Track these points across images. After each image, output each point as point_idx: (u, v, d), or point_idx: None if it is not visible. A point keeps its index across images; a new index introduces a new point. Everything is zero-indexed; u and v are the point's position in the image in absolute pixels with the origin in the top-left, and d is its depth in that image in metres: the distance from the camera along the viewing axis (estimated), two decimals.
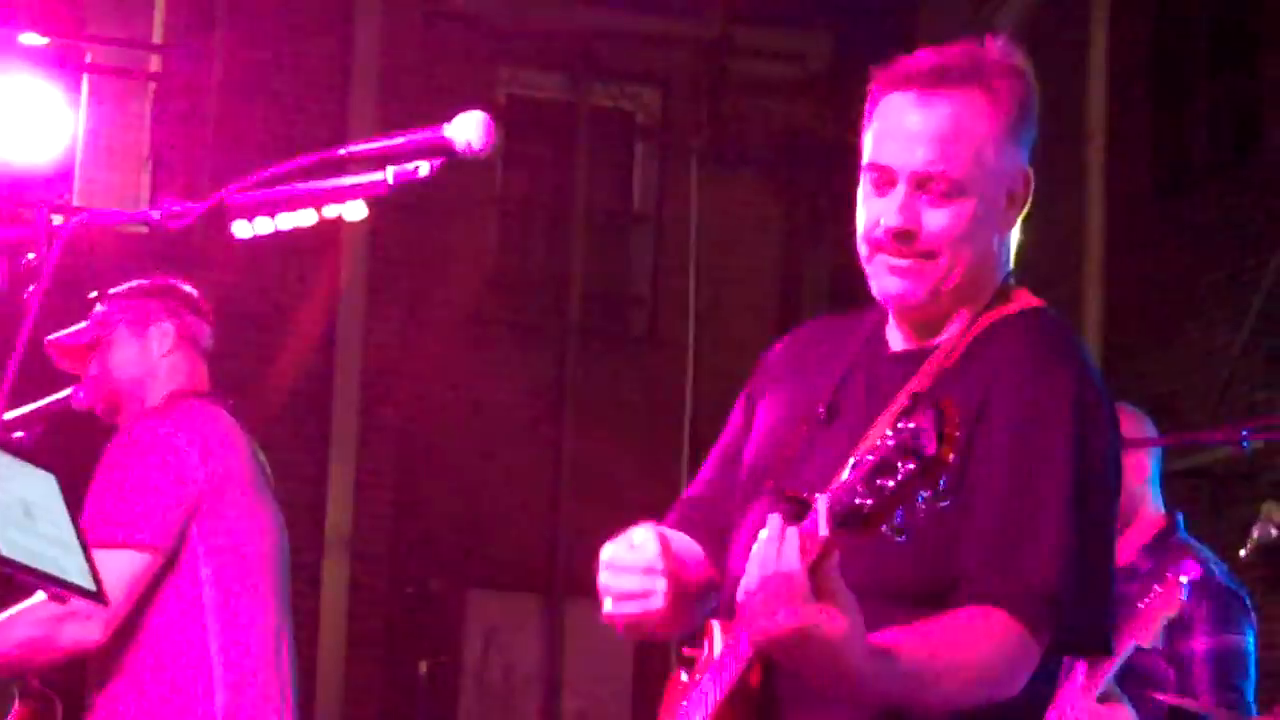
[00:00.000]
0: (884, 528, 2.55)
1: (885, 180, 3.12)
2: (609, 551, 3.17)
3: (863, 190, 3.17)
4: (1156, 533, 5.70)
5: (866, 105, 3.20)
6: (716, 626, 3.08)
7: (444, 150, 2.89)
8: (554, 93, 13.82)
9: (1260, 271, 11.06)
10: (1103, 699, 5.33)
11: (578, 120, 13.60)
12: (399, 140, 2.92)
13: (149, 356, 5.05)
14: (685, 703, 3.11)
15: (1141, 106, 12.46)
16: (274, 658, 4.92)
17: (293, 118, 11.72)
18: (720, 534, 3.31)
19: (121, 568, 4.71)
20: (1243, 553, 8.92)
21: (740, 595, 2.75)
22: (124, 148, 11.00)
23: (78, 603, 4.52)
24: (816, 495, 2.70)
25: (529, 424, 12.88)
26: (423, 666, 10.72)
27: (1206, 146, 12.13)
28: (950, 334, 3.16)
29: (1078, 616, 2.98)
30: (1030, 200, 3.28)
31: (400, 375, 12.48)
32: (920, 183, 3.09)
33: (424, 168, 2.92)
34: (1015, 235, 3.31)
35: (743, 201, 13.46)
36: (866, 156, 3.17)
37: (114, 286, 5.15)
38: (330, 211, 2.98)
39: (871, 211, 3.14)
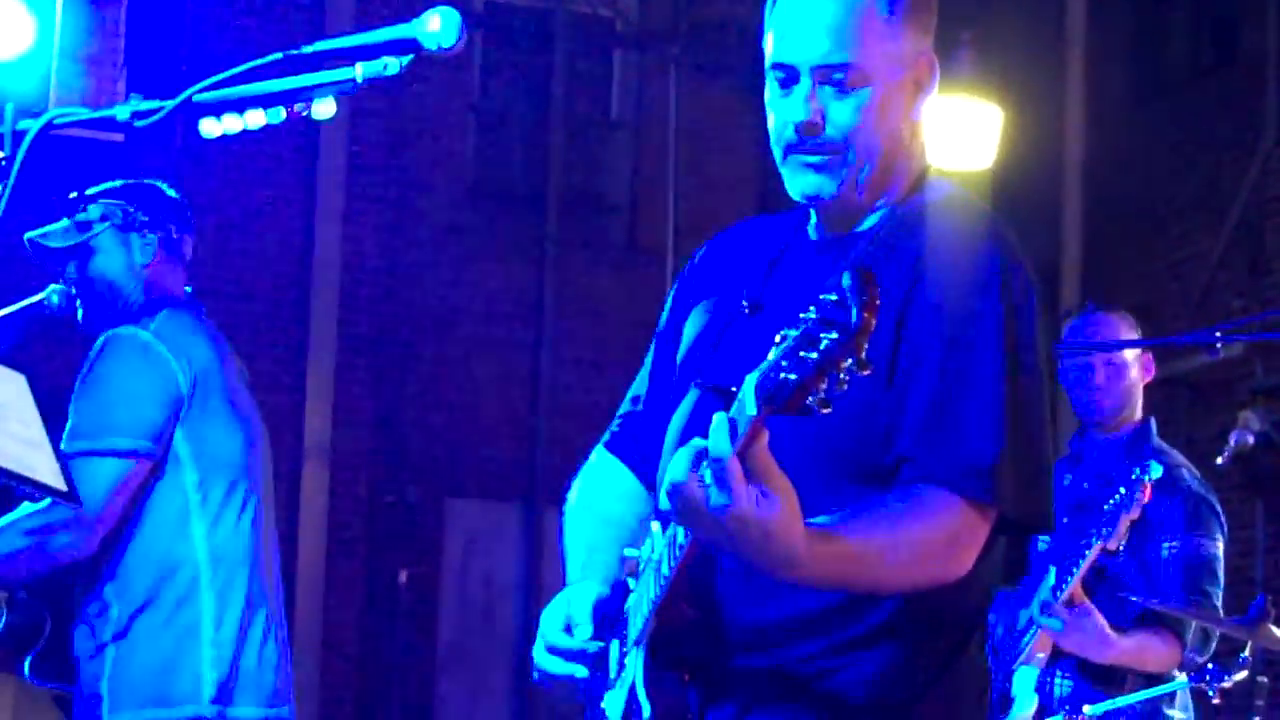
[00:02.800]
0: (809, 400, 2.52)
1: (789, 78, 3.12)
2: (547, 626, 3.16)
3: (769, 93, 3.17)
4: (1130, 437, 5.71)
5: (765, 8, 3.19)
6: (655, 526, 3.06)
7: (413, 47, 2.87)
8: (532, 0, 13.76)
9: (1239, 179, 11.07)
10: (1069, 603, 5.35)
11: (556, 27, 13.54)
12: (367, 38, 2.90)
13: (131, 264, 5.02)
14: (628, 606, 3.11)
15: (1121, 14, 12.43)
16: (261, 561, 4.94)
17: (270, 24, 11.68)
18: (659, 442, 3.30)
19: (109, 475, 4.72)
20: (1219, 460, 8.93)
21: (667, 487, 2.71)
22: (99, 56, 10.94)
23: (63, 511, 4.54)
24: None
25: (507, 333, 12.87)
26: (403, 575, 10.75)
27: (1185, 54, 12.10)
28: (872, 221, 3.18)
29: (1016, 490, 2.98)
30: (935, 83, 3.29)
31: (378, 285, 12.46)
32: (823, 76, 3.09)
33: (393, 65, 2.90)
34: (926, 121, 3.32)
35: (722, 109, 13.41)
36: (769, 58, 3.16)
37: (93, 187, 5.11)
38: (300, 110, 2.96)
39: (779, 112, 3.14)
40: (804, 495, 2.76)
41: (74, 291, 5.02)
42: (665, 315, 3.45)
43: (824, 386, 2.51)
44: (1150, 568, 5.49)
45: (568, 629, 3.15)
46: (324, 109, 2.98)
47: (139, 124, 2.93)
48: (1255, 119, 11.09)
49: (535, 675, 3.21)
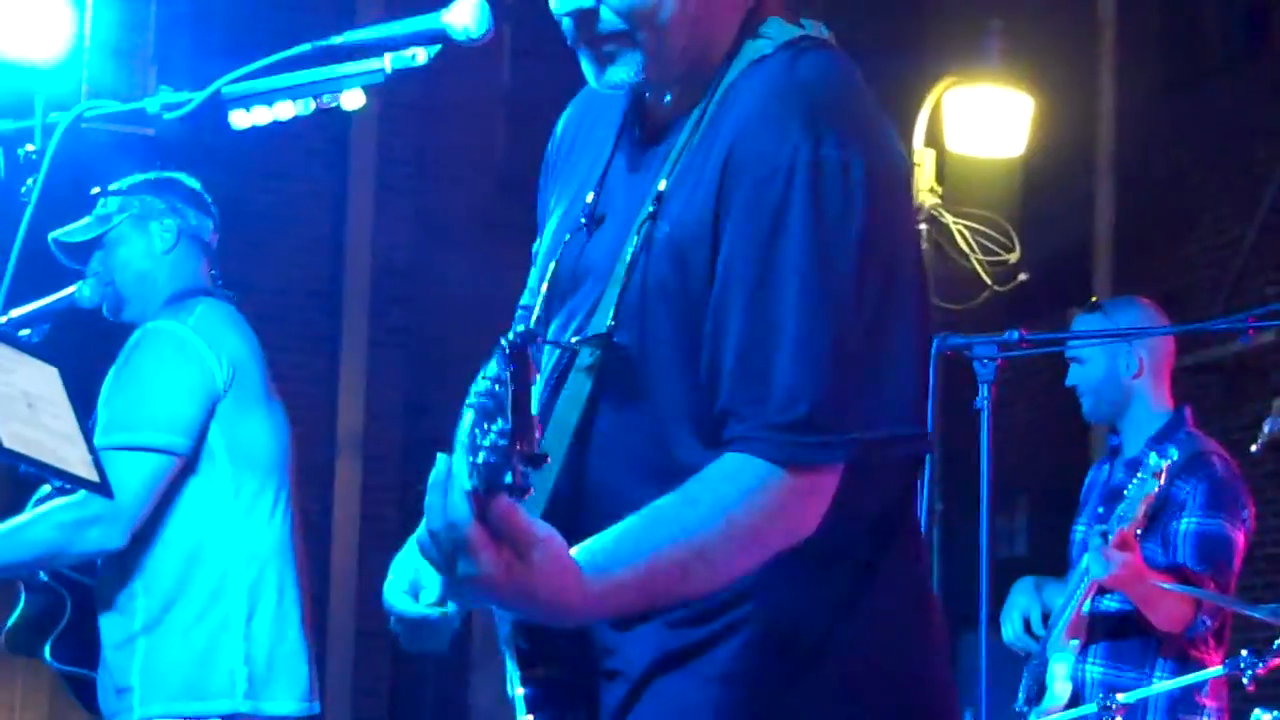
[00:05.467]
0: (507, 481, 2.18)
1: None
2: (392, 581, 2.81)
3: None
4: (1162, 425, 5.72)
5: None
6: None
7: (441, 37, 2.87)
8: None
9: (1272, 165, 11.03)
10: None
11: None
12: (396, 28, 2.90)
13: (152, 252, 5.05)
14: None
15: (1152, 2, 12.39)
16: (292, 557, 4.95)
17: (300, 15, 11.69)
18: None
19: (142, 470, 4.73)
20: (1254, 448, 8.89)
21: (419, 548, 2.36)
22: (130, 49, 10.96)
23: (97, 504, 4.55)
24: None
25: None
26: None
27: (1218, 40, 12.06)
28: (697, 98, 2.68)
29: (855, 425, 2.52)
30: None
31: (410, 276, 12.47)
32: None
33: (422, 55, 2.90)
34: None
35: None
36: None
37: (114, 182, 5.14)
38: (328, 101, 2.97)
39: (551, 3, 2.77)
40: (636, 478, 2.54)
41: (102, 284, 5.05)
42: (539, 200, 3.04)
43: (515, 475, 2.18)
44: (1169, 542, 5.50)
45: (413, 592, 2.79)
46: (353, 100, 2.99)
47: (168, 116, 2.94)
48: None
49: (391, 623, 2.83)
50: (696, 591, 2.52)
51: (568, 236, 2.81)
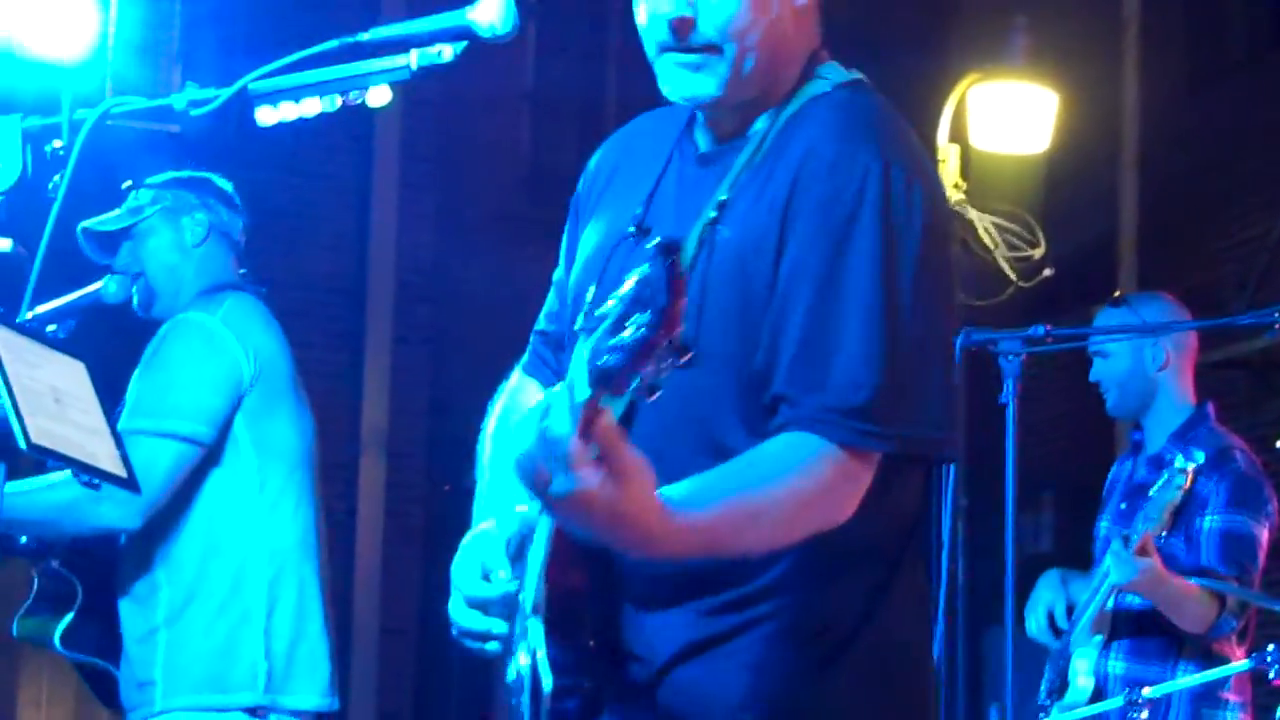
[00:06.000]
0: (635, 382, 2.34)
1: None
2: (461, 578, 2.97)
3: None
4: (1184, 421, 5.71)
5: None
6: None
7: (466, 34, 2.88)
8: None
9: None
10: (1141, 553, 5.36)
11: (610, 13, 13.52)
12: (422, 25, 2.91)
13: (181, 246, 5.07)
14: (529, 560, 2.90)
15: None
16: (314, 552, 4.97)
17: (324, 16, 11.70)
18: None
19: (164, 457, 4.75)
20: (1279, 443, 8.88)
21: (516, 468, 2.51)
22: (155, 47, 10.98)
23: (104, 485, 4.57)
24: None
25: None
26: None
27: (1243, 35, 12.04)
28: (760, 124, 2.94)
29: (902, 424, 2.77)
30: None
31: (434, 273, 12.48)
32: None
33: (447, 52, 2.91)
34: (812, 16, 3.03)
35: None
36: None
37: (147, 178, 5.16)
38: (354, 97, 2.98)
39: (648, 6, 2.94)
40: (684, 454, 2.68)
41: (130, 277, 5.06)
42: (566, 230, 3.23)
43: (649, 370, 2.33)
44: (1193, 540, 5.49)
45: (485, 578, 2.94)
46: (379, 96, 3.01)
47: (195, 112, 2.96)
48: None
49: (454, 631, 3.00)
50: (748, 547, 2.71)
51: (615, 244, 2.98)
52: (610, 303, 2.37)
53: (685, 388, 2.68)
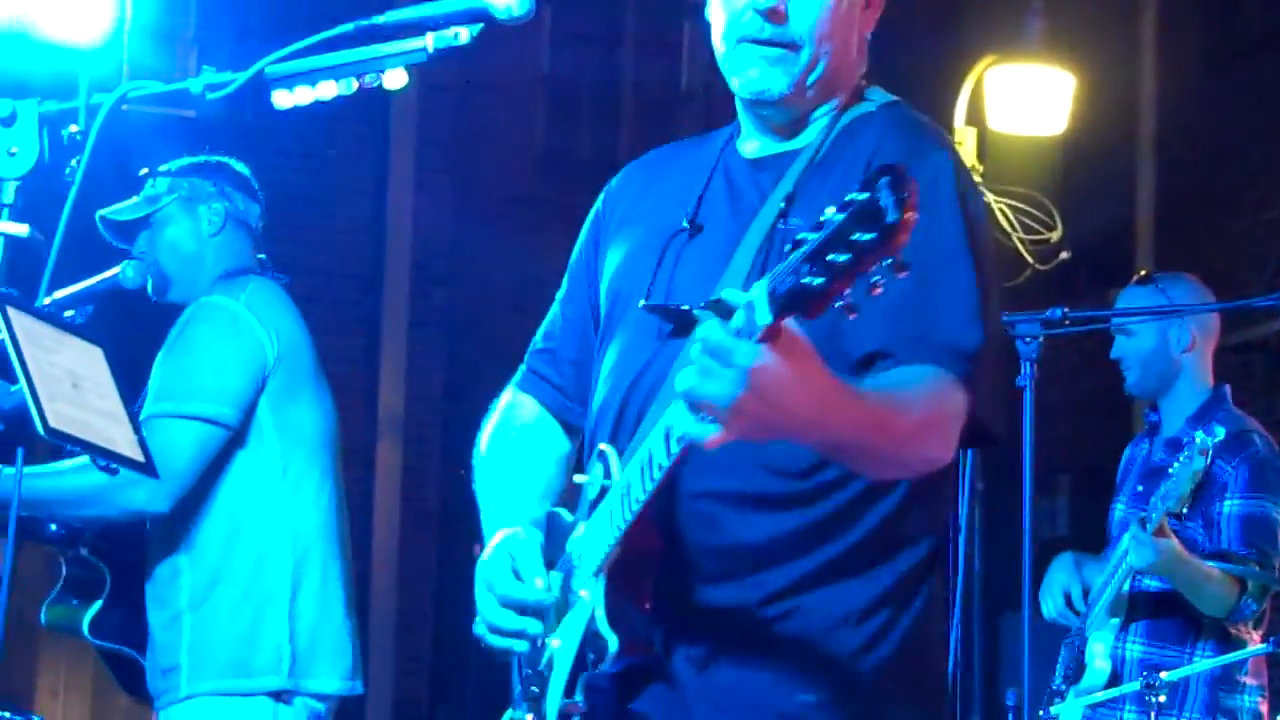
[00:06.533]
0: (837, 303, 2.44)
1: None
2: (495, 578, 3.10)
3: None
4: (1203, 403, 5.70)
5: None
6: (608, 449, 3.00)
7: (483, 16, 2.88)
8: None
9: None
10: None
11: None
12: (438, 7, 2.91)
13: (199, 234, 5.08)
14: (575, 536, 3.06)
15: None
16: (336, 536, 4.97)
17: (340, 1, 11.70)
18: (579, 382, 3.34)
19: (189, 439, 4.75)
20: None
21: (696, 343, 2.58)
22: (171, 31, 10.99)
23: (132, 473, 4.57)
24: (721, 298, 2.63)
25: None
26: (476, 548, 10.76)
27: (1260, 17, 12.00)
28: (813, 136, 3.16)
29: (986, 391, 2.98)
30: (883, 3, 3.25)
31: (450, 257, 12.48)
32: None
33: (464, 35, 2.91)
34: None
35: None
36: None
37: (164, 164, 5.16)
38: (371, 80, 2.97)
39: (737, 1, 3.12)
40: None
41: (147, 264, 5.07)
42: (579, 249, 3.41)
43: (850, 290, 2.43)
44: (1213, 524, 5.48)
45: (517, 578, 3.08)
46: (395, 79, 3.00)
47: (211, 96, 2.95)
48: None
49: (482, 628, 3.14)
50: (892, 443, 2.83)
51: (667, 240, 3.17)
52: (805, 235, 2.46)
53: None
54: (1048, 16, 10.51)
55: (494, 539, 3.18)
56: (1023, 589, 5.44)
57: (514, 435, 3.43)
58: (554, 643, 3.04)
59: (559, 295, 3.46)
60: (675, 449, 2.71)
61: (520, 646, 3.09)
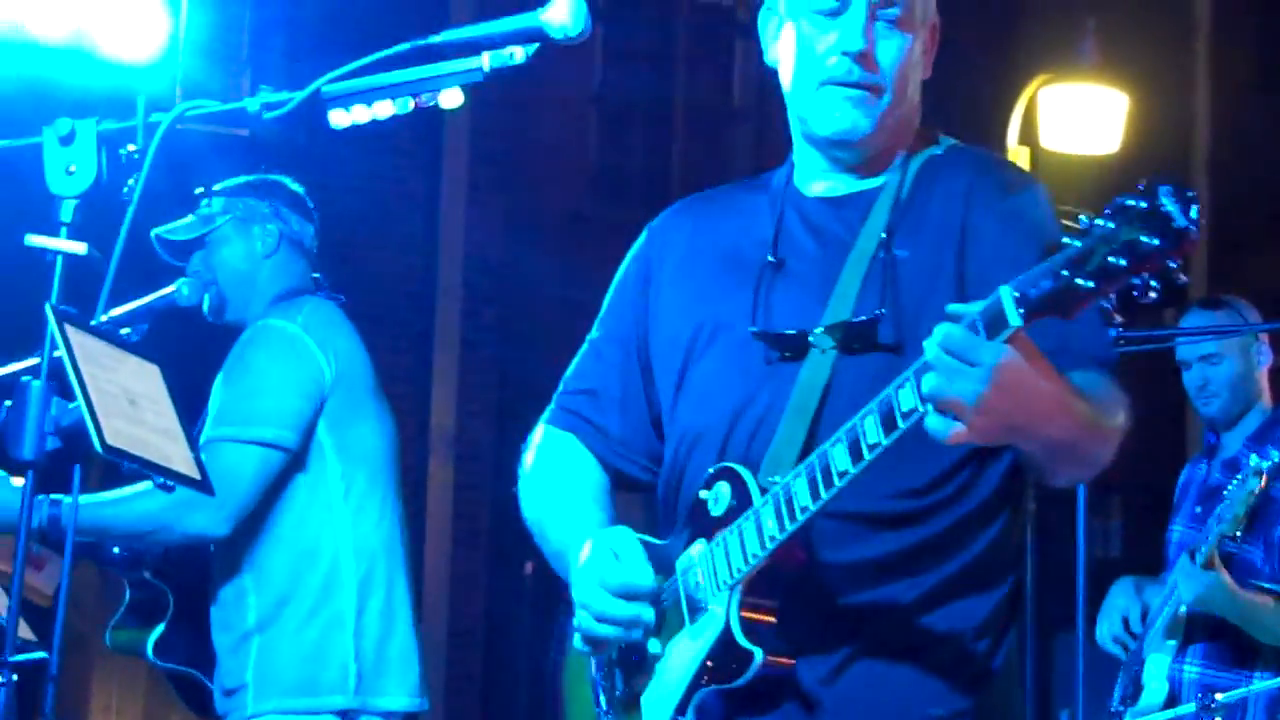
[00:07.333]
0: (1104, 304, 2.58)
1: (840, 8, 3.17)
2: (604, 572, 3.12)
3: (806, 27, 3.20)
4: (1261, 424, 5.67)
5: None
6: (744, 470, 3.06)
7: (539, 36, 2.88)
8: None
9: None
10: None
11: (677, 16, 13.52)
12: (494, 27, 2.91)
13: (253, 255, 5.09)
14: (693, 553, 3.11)
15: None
16: (399, 553, 4.97)
17: (393, 19, 11.73)
18: (633, 411, 3.38)
19: (251, 463, 4.76)
20: None
21: (940, 340, 2.70)
22: (225, 50, 11.03)
23: (193, 493, 4.59)
24: (869, 316, 2.86)
25: None
26: (528, 567, 10.77)
27: None
28: (886, 178, 3.24)
29: None
30: (935, 53, 3.30)
31: (501, 276, 12.49)
32: (876, 11, 3.17)
33: (520, 54, 2.91)
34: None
35: None
36: None
37: (219, 183, 5.18)
38: (427, 100, 2.98)
39: (824, 41, 3.18)
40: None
41: (203, 283, 5.08)
42: (621, 288, 3.47)
43: (1112, 294, 2.56)
44: (1275, 549, 5.45)
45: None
46: (451, 99, 3.01)
47: (268, 115, 2.96)
48: None
49: (585, 634, 3.16)
50: (1094, 445, 2.96)
51: (757, 274, 3.22)
52: (1067, 241, 2.59)
53: (885, 371, 2.91)
54: (1101, 36, 10.48)
55: (586, 543, 3.19)
56: (1077, 610, 5.42)
57: (563, 463, 3.46)
58: (656, 651, 3.11)
59: (593, 335, 3.50)
60: (870, 454, 2.83)
61: (634, 635, 3.10)
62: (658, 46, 13.62)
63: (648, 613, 3.08)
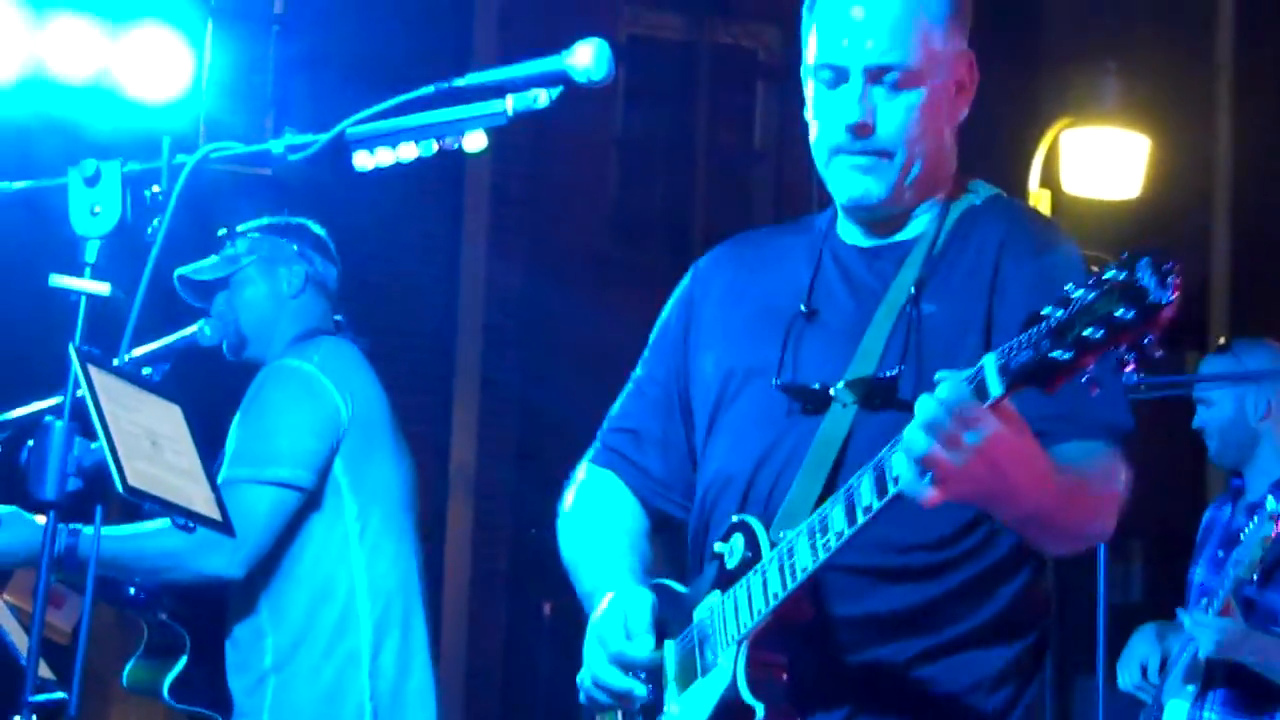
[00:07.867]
0: (1083, 378, 2.56)
1: (838, 78, 3.17)
2: (608, 635, 3.14)
3: (813, 96, 3.22)
4: None
5: (803, 10, 3.26)
6: (756, 523, 3.06)
7: (563, 79, 2.89)
8: (675, 31, 13.76)
9: None
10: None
11: (699, 59, 13.54)
12: (517, 70, 2.92)
13: (278, 296, 5.09)
14: (707, 604, 3.10)
15: (1269, 41, 12.29)
16: (417, 593, 4.97)
17: (417, 61, 11.76)
18: (674, 451, 3.38)
19: (267, 504, 4.77)
20: None
21: (911, 455, 2.68)
22: (248, 90, 11.06)
23: (210, 533, 4.59)
24: (890, 371, 2.88)
25: None
26: (547, 607, 10.75)
27: None
28: (923, 227, 3.23)
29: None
30: (976, 86, 3.27)
31: (522, 317, 12.49)
32: (874, 75, 3.13)
33: (543, 98, 2.92)
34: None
35: None
36: (814, 58, 3.20)
37: (242, 223, 5.19)
38: (450, 142, 2.99)
39: (826, 113, 3.18)
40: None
41: (225, 324, 5.09)
42: (665, 328, 3.47)
43: (1093, 365, 2.54)
44: None
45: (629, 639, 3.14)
46: (474, 141, 3.01)
47: (293, 157, 2.97)
48: None
49: (586, 694, 3.17)
50: (1074, 516, 2.94)
51: (788, 325, 3.22)
52: (1048, 311, 2.57)
53: (902, 429, 2.84)
54: (1123, 79, 10.49)
55: (606, 596, 3.19)
56: (1097, 655, 5.41)
57: (602, 504, 3.45)
58: (673, 708, 3.09)
59: (637, 374, 3.50)
60: (864, 517, 2.81)
61: (624, 708, 3.12)
62: (679, 88, 13.63)
63: (639, 689, 3.09)
